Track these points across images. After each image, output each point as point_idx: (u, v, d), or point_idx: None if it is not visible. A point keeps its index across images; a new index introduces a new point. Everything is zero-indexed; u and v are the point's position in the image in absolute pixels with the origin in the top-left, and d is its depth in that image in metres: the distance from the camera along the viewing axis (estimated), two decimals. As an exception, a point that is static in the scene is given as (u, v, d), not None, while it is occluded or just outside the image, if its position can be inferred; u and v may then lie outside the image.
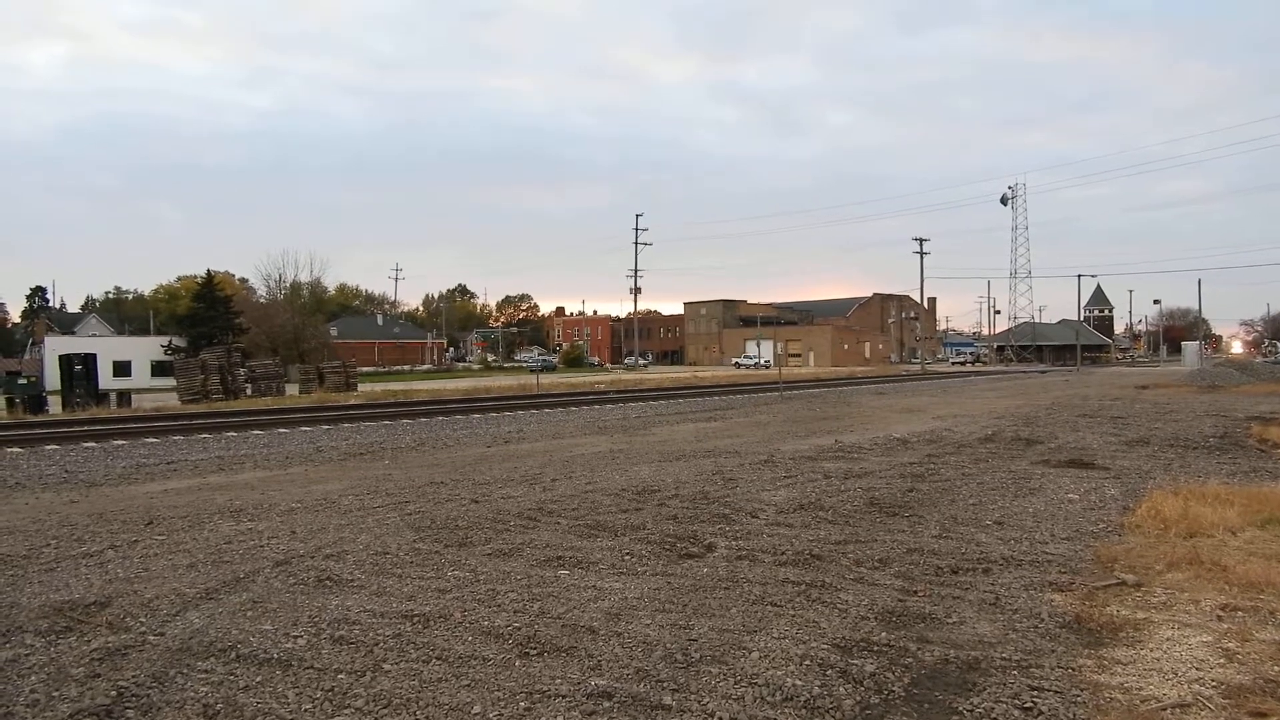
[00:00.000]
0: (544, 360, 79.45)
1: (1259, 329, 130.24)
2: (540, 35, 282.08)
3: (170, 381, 37.19)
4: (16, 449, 14.46)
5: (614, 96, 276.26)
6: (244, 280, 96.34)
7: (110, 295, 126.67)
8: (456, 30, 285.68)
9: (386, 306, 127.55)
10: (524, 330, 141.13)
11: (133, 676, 3.92)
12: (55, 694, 3.76)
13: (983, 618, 4.75)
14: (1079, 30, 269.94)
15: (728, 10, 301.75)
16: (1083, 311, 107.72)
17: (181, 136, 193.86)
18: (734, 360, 68.65)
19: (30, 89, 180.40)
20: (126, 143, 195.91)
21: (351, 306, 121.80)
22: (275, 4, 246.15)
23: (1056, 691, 3.71)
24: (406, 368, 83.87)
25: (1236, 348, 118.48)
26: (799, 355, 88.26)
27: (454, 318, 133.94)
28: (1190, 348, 72.94)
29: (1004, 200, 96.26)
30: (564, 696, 3.68)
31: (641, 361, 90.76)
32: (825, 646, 4.28)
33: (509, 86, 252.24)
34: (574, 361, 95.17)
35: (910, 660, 4.11)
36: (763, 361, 78.30)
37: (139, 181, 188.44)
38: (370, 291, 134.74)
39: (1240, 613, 4.75)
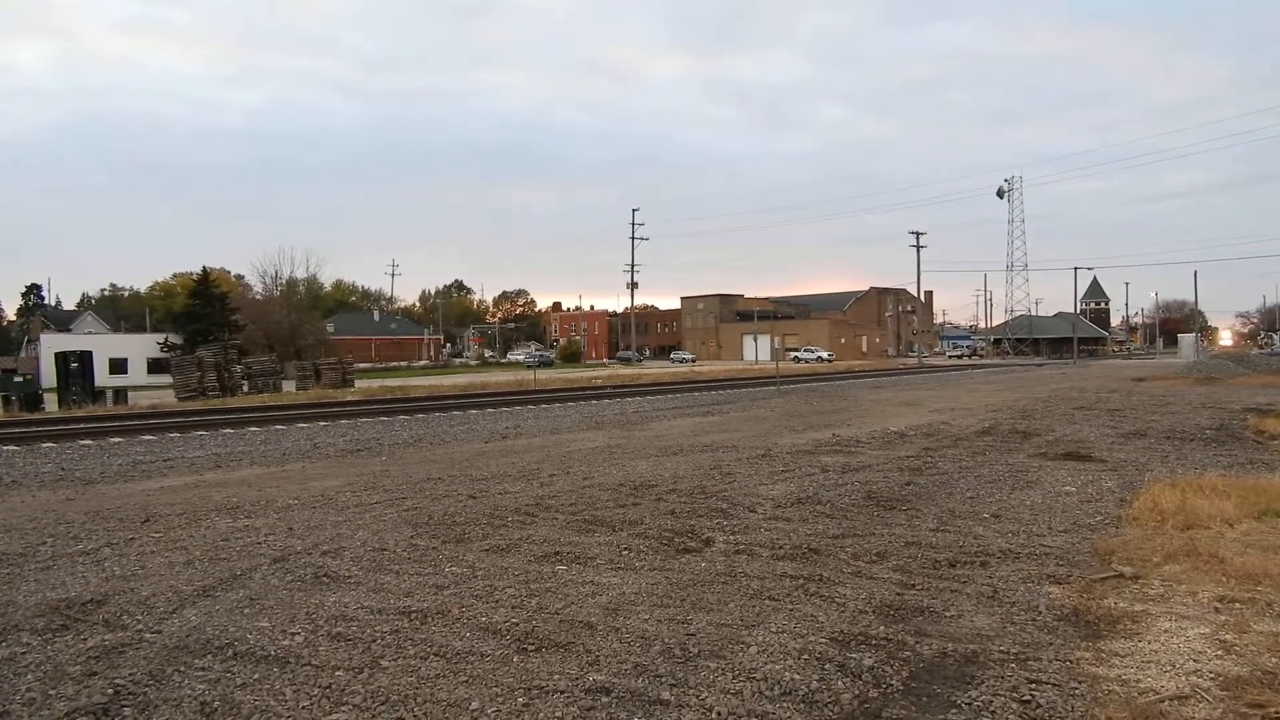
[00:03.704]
0: (541, 356, 79.44)
1: (1255, 321, 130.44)
2: (530, 32, 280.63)
3: (167, 379, 37.09)
4: (13, 447, 14.43)
5: (607, 93, 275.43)
6: (240, 277, 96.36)
7: (106, 293, 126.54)
8: (446, 28, 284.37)
9: (383, 303, 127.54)
10: (521, 326, 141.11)
11: (130, 674, 3.91)
12: (52, 692, 3.74)
13: (980, 611, 4.75)
14: (1071, 25, 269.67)
15: (718, 6, 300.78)
16: (1079, 304, 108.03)
17: (174, 135, 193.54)
18: (794, 355, 71.42)
19: (20, 88, 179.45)
20: (118, 141, 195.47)
21: (348, 303, 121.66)
22: (263, 3, 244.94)
23: (1054, 684, 3.72)
24: (403, 364, 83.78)
25: (1225, 339, 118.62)
26: (795, 349, 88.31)
27: (451, 314, 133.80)
28: (1187, 340, 73.05)
29: (1000, 194, 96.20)
30: (562, 692, 3.68)
31: (688, 357, 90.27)
32: (823, 640, 4.28)
33: (501, 84, 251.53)
34: (571, 357, 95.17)
35: (908, 654, 4.11)
36: (825, 355, 78.31)
37: (132, 179, 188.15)
38: (367, 288, 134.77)
39: (1238, 605, 4.75)
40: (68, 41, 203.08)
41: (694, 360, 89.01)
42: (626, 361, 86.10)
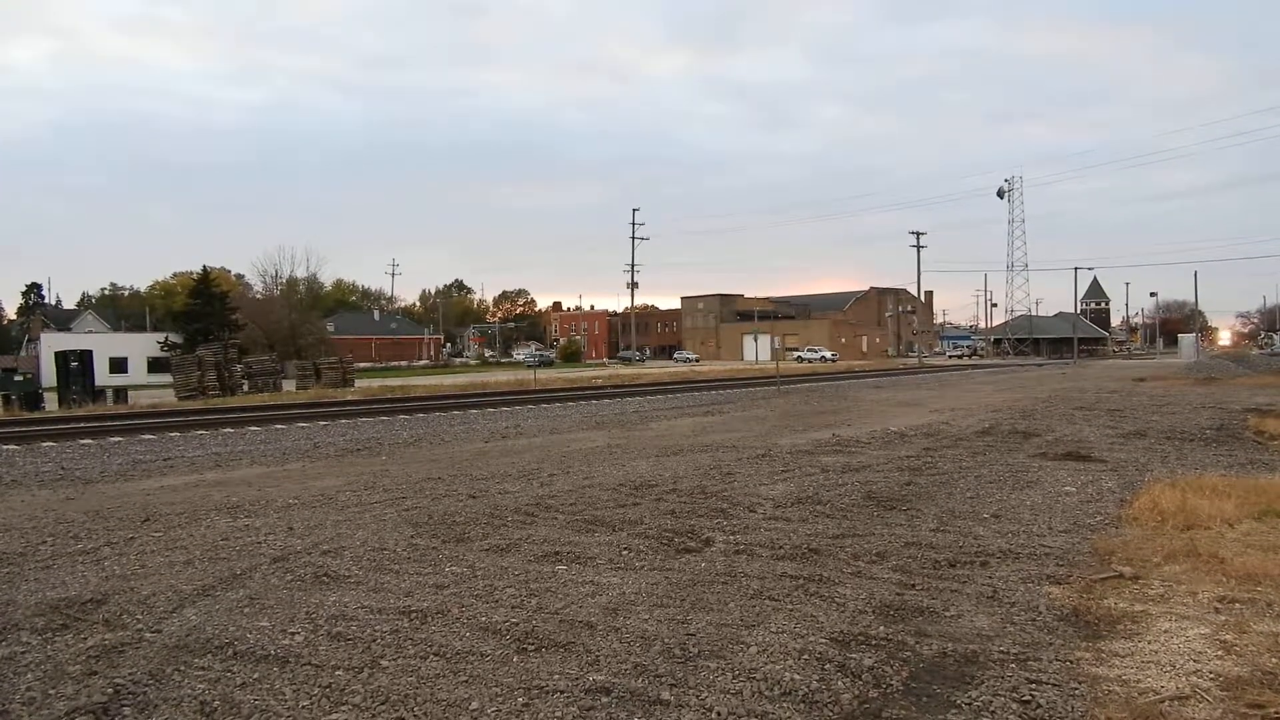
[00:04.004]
0: (541, 355, 79.51)
1: (1255, 321, 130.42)
2: (529, 31, 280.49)
3: (167, 378, 37.10)
4: (13, 446, 14.42)
5: (606, 92, 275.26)
6: (240, 276, 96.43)
7: (106, 292, 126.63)
8: (444, 27, 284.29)
9: (383, 302, 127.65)
10: (521, 326, 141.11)
11: (129, 674, 3.90)
12: (52, 692, 3.74)
13: (980, 611, 4.75)
14: (1071, 25, 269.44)
15: (717, 4, 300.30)
16: (1079, 304, 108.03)
17: (172, 133, 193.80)
18: (797, 355, 72.74)
19: (17, 87, 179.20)
20: (118, 140, 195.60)
21: (348, 302, 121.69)
22: (262, 2, 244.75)
23: (1054, 684, 3.72)
24: (403, 363, 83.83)
25: (1224, 339, 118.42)
26: (796, 349, 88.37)
27: (451, 313, 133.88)
28: (1187, 340, 73.08)
29: (1000, 194, 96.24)
30: (562, 692, 3.68)
31: (691, 357, 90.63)
32: (823, 640, 4.28)
33: (500, 82, 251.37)
34: (571, 357, 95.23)
35: (908, 654, 4.11)
36: (829, 355, 78.48)
37: (131, 178, 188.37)
38: (367, 287, 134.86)
39: (1237, 605, 4.75)
40: (66, 40, 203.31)
41: (698, 360, 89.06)
42: (627, 361, 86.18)
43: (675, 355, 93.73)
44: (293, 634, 4.43)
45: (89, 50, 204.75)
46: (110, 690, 3.73)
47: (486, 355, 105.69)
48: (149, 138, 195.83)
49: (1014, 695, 3.61)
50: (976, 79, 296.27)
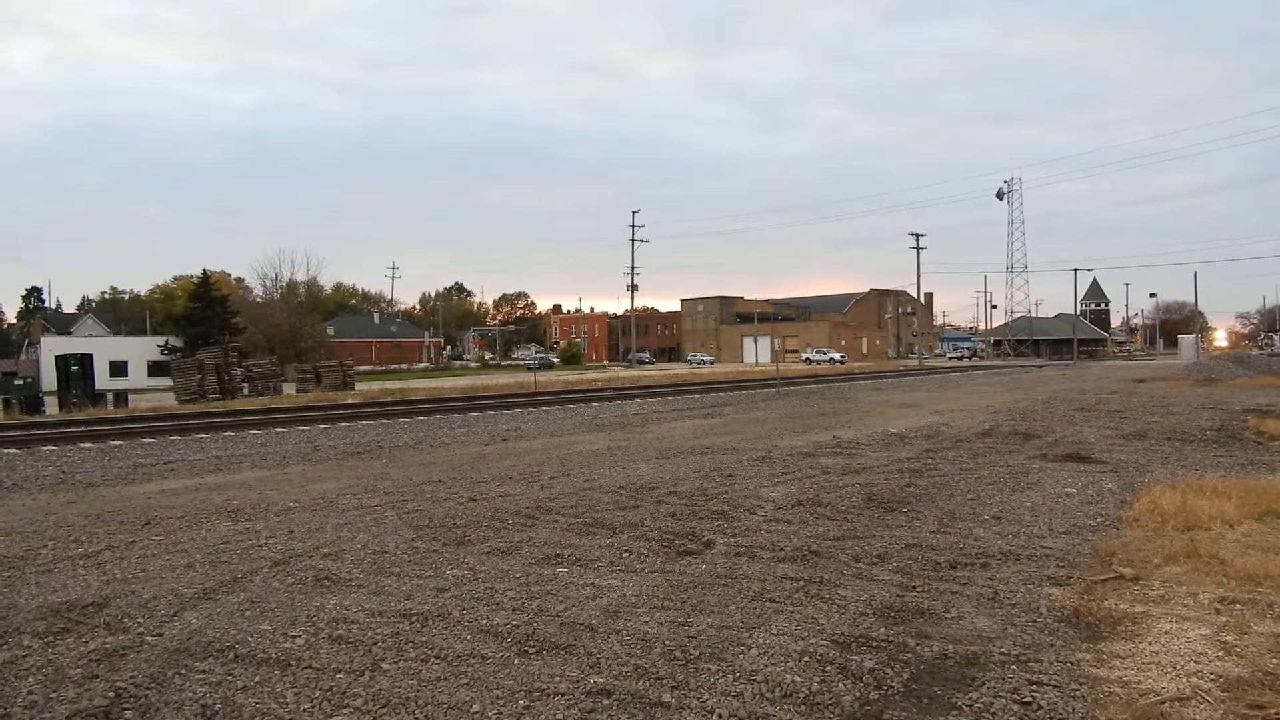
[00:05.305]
0: (541, 358, 79.50)
1: (1255, 321, 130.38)
2: (525, 32, 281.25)
3: (167, 381, 37.14)
4: (13, 450, 14.41)
5: (603, 93, 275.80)
6: (240, 280, 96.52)
7: (106, 295, 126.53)
8: (441, 28, 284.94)
9: (383, 305, 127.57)
10: (521, 328, 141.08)
11: (131, 677, 3.91)
12: (53, 695, 3.74)
13: (981, 612, 4.75)
14: (1071, 25, 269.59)
15: (714, 5, 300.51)
16: (1079, 306, 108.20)
17: (169, 135, 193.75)
18: (805, 357, 72.97)
19: (13, 88, 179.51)
20: (114, 141, 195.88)
21: (348, 305, 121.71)
22: (259, 2, 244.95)
23: (1055, 686, 3.72)
24: (404, 366, 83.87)
25: (1221, 339, 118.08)
26: (796, 351, 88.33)
27: (451, 316, 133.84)
28: (1186, 341, 73.06)
29: (1000, 195, 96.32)
30: (563, 694, 3.68)
31: (705, 359, 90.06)
32: (824, 642, 4.28)
33: (497, 83, 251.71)
34: (571, 359, 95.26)
35: (909, 656, 4.11)
36: (837, 357, 78.39)
37: (130, 181, 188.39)
38: (367, 290, 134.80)
39: (1238, 606, 4.75)
40: (61, 41, 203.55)
41: (713, 361, 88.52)
42: (629, 364, 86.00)
43: (690, 358, 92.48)
44: (294, 637, 4.43)
45: (85, 51, 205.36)
46: (111, 694, 3.73)
47: (486, 358, 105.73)
48: (147, 139, 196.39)
49: (1015, 697, 3.61)
50: (975, 80, 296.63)
